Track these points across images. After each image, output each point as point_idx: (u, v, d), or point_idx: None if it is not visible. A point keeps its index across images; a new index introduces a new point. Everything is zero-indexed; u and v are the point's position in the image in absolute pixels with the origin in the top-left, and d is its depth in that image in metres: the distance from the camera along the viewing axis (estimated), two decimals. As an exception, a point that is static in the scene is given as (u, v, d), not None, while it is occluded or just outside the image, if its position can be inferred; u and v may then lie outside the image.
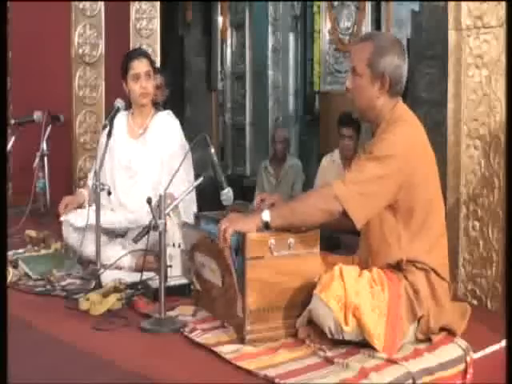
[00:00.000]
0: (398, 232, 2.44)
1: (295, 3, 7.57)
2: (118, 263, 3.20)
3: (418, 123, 2.53)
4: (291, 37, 7.67)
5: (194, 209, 3.47)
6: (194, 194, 3.43)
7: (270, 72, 7.70)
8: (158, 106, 3.73)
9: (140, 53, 3.66)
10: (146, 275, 2.95)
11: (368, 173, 2.38)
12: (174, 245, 3.01)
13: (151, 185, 3.48)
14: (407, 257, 2.41)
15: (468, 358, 2.30)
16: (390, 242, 2.45)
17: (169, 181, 2.75)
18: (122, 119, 3.60)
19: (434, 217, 2.47)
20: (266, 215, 2.42)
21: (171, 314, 2.69)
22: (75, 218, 3.39)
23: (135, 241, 2.73)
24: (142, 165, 3.55)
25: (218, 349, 2.34)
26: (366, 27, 6.60)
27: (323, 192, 2.45)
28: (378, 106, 2.50)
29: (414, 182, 2.41)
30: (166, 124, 3.61)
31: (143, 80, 3.49)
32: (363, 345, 2.31)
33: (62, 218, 3.47)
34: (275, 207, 2.49)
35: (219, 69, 8.29)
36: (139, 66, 3.49)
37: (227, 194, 2.75)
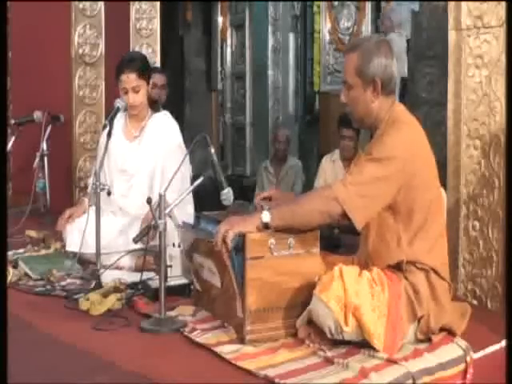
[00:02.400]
0: (398, 233, 2.44)
1: (295, 3, 7.58)
2: (118, 263, 3.20)
3: (417, 124, 2.53)
4: (291, 37, 7.68)
5: (191, 210, 3.47)
6: (189, 196, 3.41)
7: (270, 72, 7.71)
8: (156, 105, 3.68)
9: (129, 65, 3.46)
10: (146, 275, 2.95)
11: (367, 174, 2.38)
12: (174, 245, 3.01)
13: (148, 188, 3.46)
14: (407, 257, 2.41)
15: (468, 358, 2.30)
16: (389, 243, 2.45)
17: (168, 181, 2.75)
18: (120, 120, 3.59)
19: (433, 217, 2.47)
20: (265, 216, 2.42)
21: (171, 313, 2.69)
22: (70, 242, 3.42)
23: (135, 241, 2.73)
24: (138, 168, 3.54)
25: (218, 349, 2.34)
26: (366, 27, 6.62)
27: (323, 194, 2.45)
28: (374, 110, 2.50)
29: (414, 184, 2.41)
30: (163, 125, 3.59)
31: (130, 95, 3.46)
32: (363, 345, 2.31)
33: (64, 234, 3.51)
34: (275, 208, 2.48)
35: (219, 69, 8.30)
36: (126, 82, 3.44)
37: (227, 194, 2.75)
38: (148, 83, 3.53)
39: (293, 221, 2.44)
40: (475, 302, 2.99)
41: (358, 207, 2.36)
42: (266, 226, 2.42)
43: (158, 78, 4.58)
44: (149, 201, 2.60)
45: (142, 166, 3.53)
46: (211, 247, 2.46)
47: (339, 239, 3.98)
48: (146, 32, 5.35)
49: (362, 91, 2.48)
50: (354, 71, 2.48)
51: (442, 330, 2.45)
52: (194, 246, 2.73)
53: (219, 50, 8.28)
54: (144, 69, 3.53)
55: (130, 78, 3.44)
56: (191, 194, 3.35)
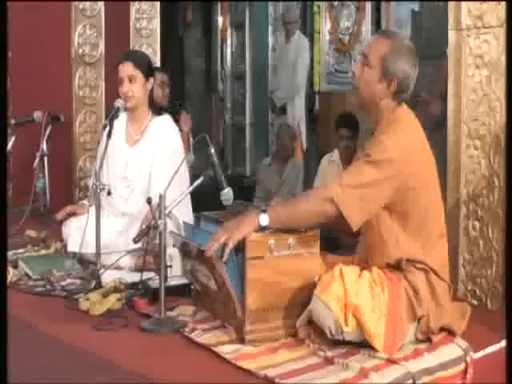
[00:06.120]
0: (395, 232, 2.44)
1: (295, 3, 7.57)
2: (118, 263, 3.20)
3: (418, 125, 2.52)
4: (291, 37, 7.66)
5: (189, 211, 3.48)
6: (188, 198, 3.40)
7: (270, 72, 7.70)
8: (156, 106, 3.67)
9: (126, 56, 3.57)
10: (146, 275, 2.95)
11: (365, 176, 2.38)
12: (174, 245, 3.00)
13: (147, 192, 3.45)
14: (406, 256, 2.41)
15: (468, 358, 2.30)
16: (387, 242, 2.45)
17: (168, 182, 2.75)
18: (121, 122, 3.57)
19: (432, 218, 2.47)
20: (264, 220, 2.40)
21: (171, 314, 2.69)
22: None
23: (135, 241, 2.73)
24: (138, 173, 3.53)
25: (218, 349, 2.34)
26: (366, 27, 6.62)
27: (320, 195, 2.44)
28: (380, 105, 2.50)
29: (412, 184, 2.41)
30: (163, 130, 3.57)
31: (126, 84, 3.47)
32: (363, 345, 2.31)
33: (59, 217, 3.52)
34: (272, 210, 2.46)
35: (219, 69, 8.30)
36: (122, 71, 3.48)
37: (227, 194, 2.75)
38: (147, 80, 3.53)
39: (290, 223, 2.45)
40: (475, 301, 2.98)
41: (355, 209, 2.36)
42: (263, 228, 2.42)
43: (165, 77, 4.62)
44: (149, 201, 2.60)
45: (142, 170, 3.52)
46: (201, 255, 2.45)
47: (339, 239, 3.98)
48: (146, 32, 5.34)
49: (377, 80, 2.47)
50: (379, 57, 2.46)
51: (442, 330, 2.45)
52: (185, 251, 2.72)
53: (219, 50, 8.28)
54: (142, 61, 3.56)
55: (125, 67, 3.48)
56: (188, 197, 3.34)
